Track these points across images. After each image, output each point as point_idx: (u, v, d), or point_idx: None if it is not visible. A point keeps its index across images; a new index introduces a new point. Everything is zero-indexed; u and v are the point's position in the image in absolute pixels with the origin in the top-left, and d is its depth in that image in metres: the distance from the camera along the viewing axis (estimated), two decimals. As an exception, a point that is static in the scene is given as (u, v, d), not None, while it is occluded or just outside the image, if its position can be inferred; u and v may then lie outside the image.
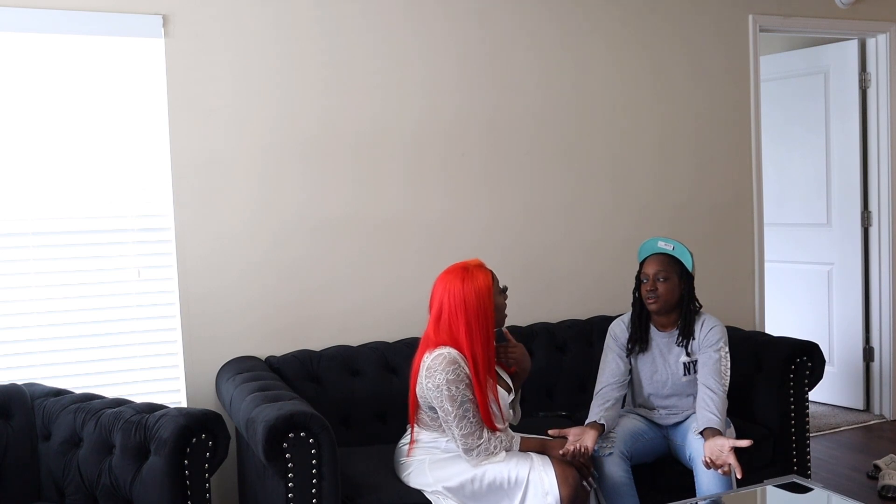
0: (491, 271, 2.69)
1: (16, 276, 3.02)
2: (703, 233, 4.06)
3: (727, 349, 2.92)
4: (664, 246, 2.96)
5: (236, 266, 3.26)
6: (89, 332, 3.11)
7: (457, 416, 2.55)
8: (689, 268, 2.94)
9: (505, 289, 2.76)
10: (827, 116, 4.76)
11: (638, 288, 3.01)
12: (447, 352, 2.57)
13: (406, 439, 2.76)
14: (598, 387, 2.98)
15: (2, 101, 2.98)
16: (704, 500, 2.68)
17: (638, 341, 3.00)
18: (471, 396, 2.57)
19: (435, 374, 2.56)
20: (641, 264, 2.99)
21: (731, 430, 2.94)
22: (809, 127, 4.85)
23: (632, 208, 3.94)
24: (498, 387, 2.70)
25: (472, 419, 2.57)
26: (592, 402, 2.92)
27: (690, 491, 2.79)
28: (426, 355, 2.61)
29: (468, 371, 2.58)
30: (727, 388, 2.86)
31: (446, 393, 2.54)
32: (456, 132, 3.59)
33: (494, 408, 2.64)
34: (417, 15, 3.51)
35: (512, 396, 2.77)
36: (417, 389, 2.64)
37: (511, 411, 2.79)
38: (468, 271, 2.64)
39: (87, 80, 3.07)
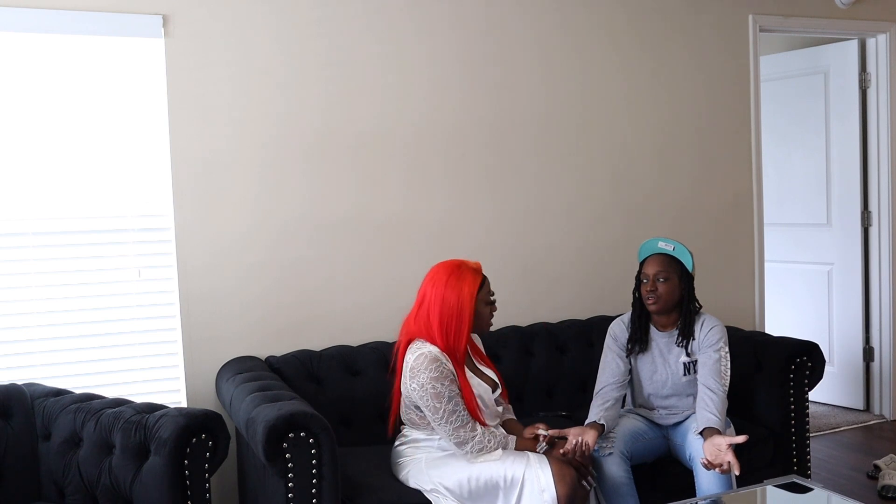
0: (484, 278, 2.67)
1: (16, 276, 3.02)
2: (703, 233, 4.06)
3: (727, 349, 2.92)
4: (664, 246, 2.96)
5: (236, 266, 3.26)
6: (89, 332, 3.11)
7: (446, 412, 2.55)
8: (690, 268, 2.95)
9: (494, 301, 2.73)
10: (827, 116, 4.76)
11: (638, 288, 3.01)
12: (427, 350, 2.57)
13: (399, 440, 2.77)
14: (597, 387, 2.98)
15: (2, 101, 2.98)
16: (704, 500, 2.68)
17: (638, 341, 3.00)
18: (457, 391, 2.57)
19: (418, 374, 2.56)
20: (641, 264, 2.99)
21: (731, 429, 2.94)
22: (809, 127, 4.85)
23: (632, 208, 3.94)
24: (480, 381, 2.71)
25: (462, 413, 2.57)
26: (592, 402, 2.92)
27: (690, 491, 2.79)
28: (408, 355, 2.62)
29: (451, 367, 2.58)
30: (727, 388, 2.86)
31: (431, 391, 2.54)
32: (458, 132, 3.59)
33: (479, 402, 2.64)
34: (420, 15, 3.51)
35: (496, 393, 2.77)
36: (402, 389, 2.65)
37: (499, 408, 2.79)
38: (460, 270, 2.63)
39: (87, 80, 3.07)
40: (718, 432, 2.69)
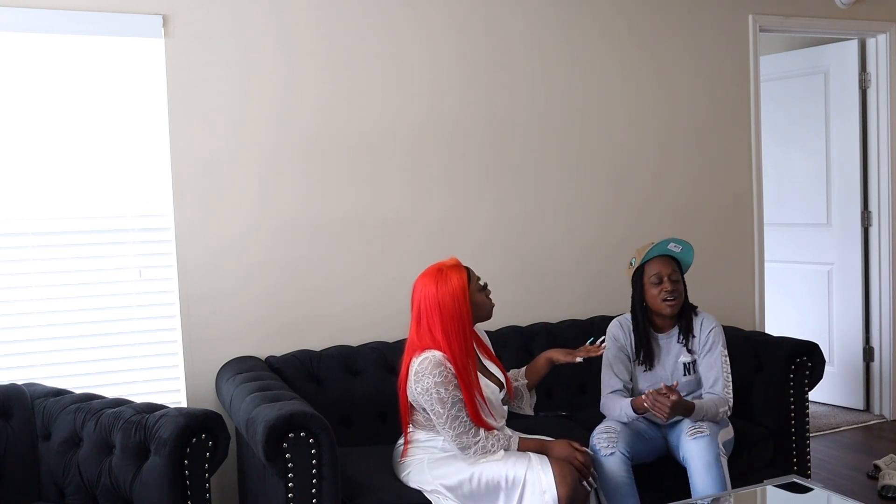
0: (467, 269, 2.69)
1: (16, 276, 3.02)
2: (703, 233, 4.05)
3: (726, 352, 2.94)
4: (674, 248, 2.97)
5: (237, 266, 3.26)
6: (89, 332, 3.11)
7: (449, 417, 2.56)
8: (688, 267, 3.00)
9: (486, 285, 2.76)
10: (827, 116, 4.76)
11: (641, 293, 2.99)
12: (432, 355, 2.58)
13: (401, 440, 2.77)
14: (607, 389, 2.99)
15: (2, 101, 2.98)
16: (704, 500, 2.68)
17: (644, 353, 2.99)
18: (461, 396, 2.58)
19: (423, 378, 2.57)
20: (645, 266, 2.98)
21: (729, 428, 2.95)
22: (809, 127, 4.85)
23: (632, 208, 3.94)
24: (488, 381, 2.71)
25: (464, 419, 2.57)
26: (609, 400, 2.95)
27: (690, 491, 2.79)
28: (413, 360, 2.62)
29: (455, 371, 2.59)
30: (731, 393, 2.91)
31: (436, 396, 2.55)
32: (458, 132, 3.59)
33: (488, 404, 2.64)
34: (420, 15, 3.51)
35: (503, 393, 2.78)
36: (408, 394, 2.65)
37: (504, 407, 2.80)
38: (442, 273, 2.64)
39: (87, 80, 3.07)
40: (689, 408, 2.78)
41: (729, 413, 2.91)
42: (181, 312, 3.18)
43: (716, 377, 2.91)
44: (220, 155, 3.22)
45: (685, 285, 3.00)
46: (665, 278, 2.92)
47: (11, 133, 3.00)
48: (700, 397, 2.97)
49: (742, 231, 4.20)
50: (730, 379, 2.92)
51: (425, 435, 2.69)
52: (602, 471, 2.74)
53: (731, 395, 2.91)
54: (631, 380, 3.03)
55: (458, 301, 2.61)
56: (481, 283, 2.74)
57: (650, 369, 3.00)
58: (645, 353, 2.99)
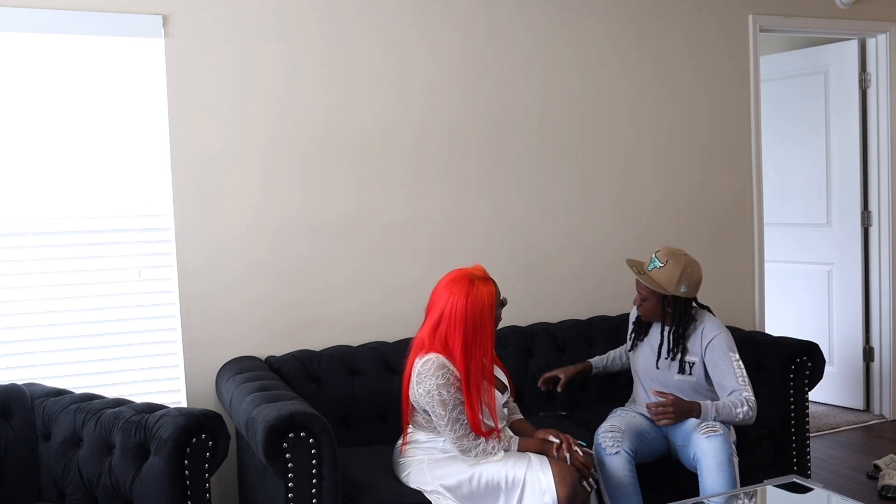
0: (494, 283, 2.67)
1: (16, 276, 3.02)
2: (703, 233, 4.06)
3: (736, 356, 2.91)
4: (651, 266, 2.95)
5: (237, 266, 3.26)
6: (89, 332, 3.11)
7: (450, 420, 2.56)
8: (673, 289, 2.91)
9: (504, 301, 2.74)
10: (827, 116, 4.76)
11: None
12: (435, 357, 2.57)
13: (401, 440, 2.76)
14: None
15: (2, 101, 2.98)
16: (708, 499, 2.68)
17: (638, 331, 3.12)
18: (462, 399, 2.57)
19: (425, 379, 2.56)
20: None
21: (732, 431, 2.94)
22: (809, 127, 4.85)
23: (633, 209, 3.93)
24: (494, 389, 2.70)
25: (465, 421, 2.57)
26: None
27: (690, 491, 2.79)
28: (416, 361, 2.62)
29: (458, 374, 2.58)
30: (750, 392, 2.84)
31: (437, 398, 2.55)
32: (459, 133, 3.59)
33: (488, 411, 2.64)
34: (420, 14, 3.51)
35: (506, 397, 2.77)
36: (410, 394, 2.65)
37: (505, 410, 2.80)
38: (473, 285, 2.60)
39: (87, 80, 3.07)
40: (695, 409, 2.79)
41: (751, 413, 2.82)
42: (181, 312, 3.18)
43: (732, 387, 2.85)
44: (220, 155, 3.22)
45: (672, 304, 2.94)
46: (637, 293, 3.04)
47: (11, 133, 3.00)
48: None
49: (742, 231, 4.20)
50: (747, 381, 2.86)
51: (425, 436, 2.69)
52: (606, 470, 2.75)
53: (752, 395, 2.84)
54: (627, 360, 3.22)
55: (485, 317, 2.60)
56: (502, 297, 2.73)
57: (645, 338, 3.11)
58: (641, 329, 3.14)
